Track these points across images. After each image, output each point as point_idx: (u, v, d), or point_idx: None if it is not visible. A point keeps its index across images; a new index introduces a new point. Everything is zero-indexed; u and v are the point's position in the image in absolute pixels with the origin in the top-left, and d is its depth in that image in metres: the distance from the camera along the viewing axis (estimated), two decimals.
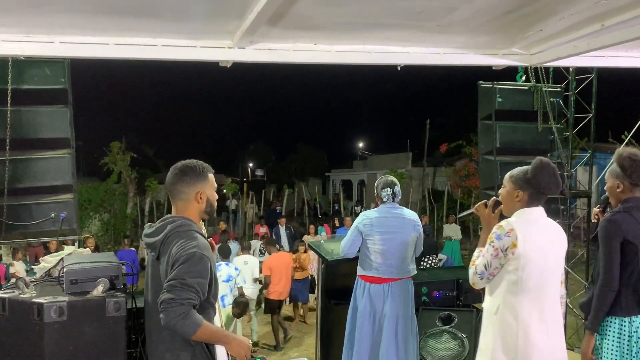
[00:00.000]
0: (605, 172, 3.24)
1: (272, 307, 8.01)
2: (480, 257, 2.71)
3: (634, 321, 2.97)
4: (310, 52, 3.59)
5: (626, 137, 7.40)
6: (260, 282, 8.24)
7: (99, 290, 2.78)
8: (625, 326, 2.98)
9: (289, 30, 3.29)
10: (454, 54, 3.85)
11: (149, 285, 2.59)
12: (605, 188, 3.21)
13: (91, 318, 2.70)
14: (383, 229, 4.15)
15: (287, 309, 10.01)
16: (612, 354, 3.00)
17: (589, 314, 3.11)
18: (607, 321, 3.02)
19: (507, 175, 2.82)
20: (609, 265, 2.96)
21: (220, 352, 2.56)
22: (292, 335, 8.31)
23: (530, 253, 2.60)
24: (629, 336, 2.97)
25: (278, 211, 19.25)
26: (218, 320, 3.26)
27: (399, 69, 3.85)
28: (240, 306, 6.46)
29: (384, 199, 4.32)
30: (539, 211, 2.72)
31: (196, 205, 2.55)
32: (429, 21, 3.19)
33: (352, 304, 4.40)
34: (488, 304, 2.77)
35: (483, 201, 2.96)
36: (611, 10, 3.08)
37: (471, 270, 2.76)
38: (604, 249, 3.00)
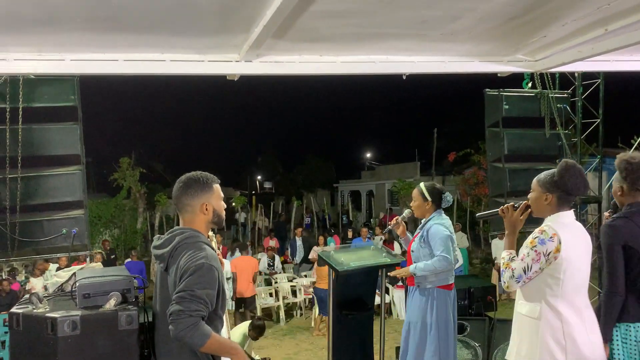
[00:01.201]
0: (615, 175, 3.24)
1: (237, 303, 9.16)
2: (518, 261, 2.71)
3: (632, 327, 2.96)
4: (316, 64, 3.62)
5: (636, 141, 7.37)
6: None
7: (111, 304, 2.78)
8: (631, 332, 2.97)
9: (295, 43, 3.33)
10: (459, 62, 3.86)
11: (158, 297, 2.60)
12: (612, 192, 3.21)
13: (104, 332, 2.68)
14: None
15: (300, 321, 10.01)
16: None
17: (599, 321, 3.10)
18: (616, 328, 3.00)
19: (534, 180, 2.83)
20: (612, 270, 2.95)
21: None
22: (306, 348, 8.29)
23: (572, 257, 2.63)
24: (635, 342, 2.95)
25: (306, 222, 19.22)
26: (226, 332, 3.27)
27: (404, 78, 3.87)
28: (257, 330, 6.50)
29: (443, 205, 4.26)
30: (571, 214, 2.75)
31: (203, 217, 2.56)
32: (432, 30, 3.22)
33: (445, 317, 4.13)
34: (526, 309, 2.77)
35: (511, 203, 2.94)
36: (614, 14, 3.09)
37: (507, 274, 2.74)
38: (606, 255, 2.99)
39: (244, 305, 9.16)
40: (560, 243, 2.60)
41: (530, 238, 2.70)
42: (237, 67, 3.48)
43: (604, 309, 2.96)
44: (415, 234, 4.34)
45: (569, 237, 2.64)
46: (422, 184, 4.27)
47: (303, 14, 2.86)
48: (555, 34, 3.40)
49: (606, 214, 3.44)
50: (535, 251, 2.63)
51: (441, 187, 4.29)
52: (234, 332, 6.50)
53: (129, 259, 11.76)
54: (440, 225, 4.12)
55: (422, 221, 4.22)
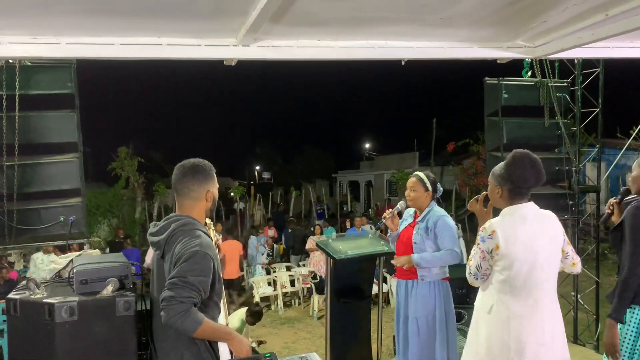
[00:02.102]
0: (613, 165, 3.24)
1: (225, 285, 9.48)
2: (472, 259, 2.70)
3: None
4: (314, 49, 3.58)
5: (634, 132, 7.34)
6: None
7: (108, 290, 2.78)
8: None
9: (292, 27, 3.29)
10: (458, 48, 3.83)
11: (155, 284, 2.61)
12: (631, 177, 3.17)
13: (101, 318, 2.68)
14: None
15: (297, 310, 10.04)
16: (631, 343, 3.00)
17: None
18: (630, 310, 3.00)
19: (491, 172, 2.80)
20: (636, 252, 2.92)
21: (224, 349, 2.56)
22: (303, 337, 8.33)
23: (515, 252, 2.55)
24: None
25: (318, 211, 19.29)
26: (223, 318, 3.27)
27: (403, 63, 3.83)
28: (256, 316, 6.53)
29: (437, 195, 4.17)
30: (526, 207, 2.65)
31: (204, 204, 2.57)
32: (431, 14, 3.18)
33: (450, 309, 4.10)
34: (480, 303, 2.75)
35: (475, 197, 2.93)
36: None
37: (467, 270, 2.75)
38: (633, 237, 2.96)
39: (230, 287, 9.50)
40: (499, 240, 2.55)
41: (477, 235, 2.68)
42: (235, 51, 3.45)
43: (619, 288, 2.96)
44: (407, 225, 4.20)
45: (512, 233, 2.57)
46: (419, 173, 4.15)
47: None
48: (555, 19, 3.37)
49: (612, 199, 3.38)
50: (480, 249, 2.63)
51: (434, 176, 4.19)
52: (232, 318, 6.53)
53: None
54: (447, 217, 4.02)
55: (423, 212, 4.07)
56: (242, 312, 6.68)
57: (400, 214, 4.33)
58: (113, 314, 2.67)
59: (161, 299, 2.28)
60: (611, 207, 3.38)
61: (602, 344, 3.29)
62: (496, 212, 2.83)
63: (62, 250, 6.58)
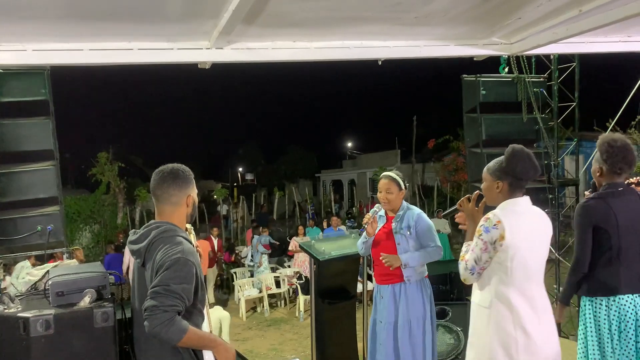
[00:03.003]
0: (591, 157, 3.28)
1: None
2: (469, 252, 2.69)
3: (614, 300, 3.03)
4: (290, 50, 3.54)
5: (611, 125, 7.44)
6: None
7: (85, 301, 2.73)
8: (610, 305, 3.03)
9: (267, 29, 3.25)
10: (434, 46, 3.81)
11: (136, 293, 2.54)
12: (592, 171, 3.23)
13: (79, 330, 2.63)
14: None
15: (283, 311, 10.01)
16: (594, 334, 3.09)
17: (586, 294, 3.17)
18: (595, 301, 3.08)
19: (485, 169, 2.81)
20: (580, 248, 3.06)
21: (208, 357, 2.52)
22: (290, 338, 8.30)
23: (518, 243, 2.59)
24: (606, 314, 3.05)
25: (311, 211, 19.22)
26: (207, 326, 3.22)
27: (379, 63, 3.81)
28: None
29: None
30: (524, 200, 2.71)
31: (184, 209, 2.52)
32: (406, 13, 3.16)
33: (433, 307, 4.03)
34: (479, 298, 2.75)
35: (466, 196, 2.95)
36: None
37: (461, 266, 2.73)
38: (575, 233, 3.08)
39: None
40: (504, 230, 2.56)
41: (477, 227, 2.67)
42: (208, 54, 3.39)
43: (566, 281, 3.15)
44: (382, 227, 4.05)
45: (516, 224, 2.60)
46: (392, 173, 4.00)
47: None
48: (530, 15, 3.38)
49: (586, 192, 3.44)
50: (482, 240, 2.61)
51: (401, 173, 4.08)
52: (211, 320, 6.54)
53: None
54: (424, 215, 3.96)
55: (398, 211, 3.95)
56: (217, 310, 6.71)
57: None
58: (91, 326, 2.62)
59: (144, 308, 2.22)
60: None
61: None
62: (487, 211, 2.85)
63: (41, 260, 6.46)
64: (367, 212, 4.15)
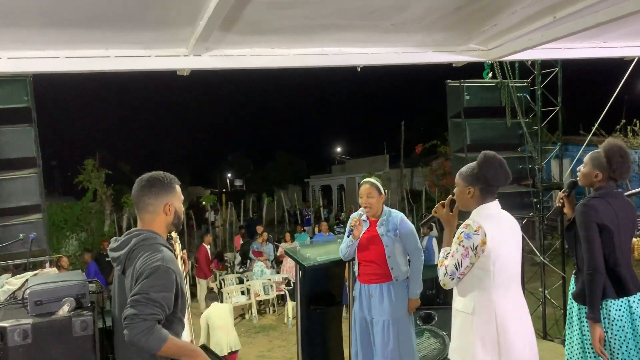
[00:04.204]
0: (576, 160, 3.30)
1: None
2: (449, 258, 2.71)
3: (609, 304, 3.02)
4: (268, 57, 3.54)
5: (597, 129, 7.51)
6: None
7: (64, 310, 2.71)
8: (604, 310, 3.01)
9: (245, 36, 3.26)
10: (412, 53, 3.84)
11: (116, 301, 2.54)
12: (580, 172, 3.23)
13: (57, 339, 2.61)
14: None
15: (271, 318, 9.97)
16: (629, 334, 3.03)
17: (583, 303, 3.13)
18: (619, 302, 3.03)
19: (457, 174, 2.86)
20: (591, 249, 2.98)
21: None
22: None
23: (498, 248, 2.63)
24: (608, 318, 3.01)
25: (307, 217, 19.11)
26: (187, 335, 3.21)
27: (359, 70, 3.83)
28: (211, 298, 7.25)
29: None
30: (495, 205, 2.76)
31: (164, 218, 2.51)
32: (382, 20, 3.19)
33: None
34: (461, 305, 2.77)
35: (440, 202, 2.97)
36: (562, 1, 3.11)
37: (441, 272, 2.75)
38: (584, 234, 3.01)
39: None
40: (485, 235, 2.60)
41: (457, 233, 2.70)
42: (186, 61, 3.38)
43: (588, 290, 2.97)
44: (366, 231, 4.19)
45: (495, 229, 2.65)
46: (370, 179, 4.20)
47: (248, 4, 2.79)
48: (505, 22, 3.42)
49: (561, 193, 3.44)
50: (463, 246, 2.64)
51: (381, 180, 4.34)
52: (221, 311, 6.80)
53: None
54: (406, 218, 4.17)
55: (381, 215, 4.13)
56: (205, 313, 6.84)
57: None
58: (70, 335, 2.60)
59: (123, 317, 2.21)
60: (561, 201, 3.43)
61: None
62: (462, 215, 2.88)
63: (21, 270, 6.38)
64: (351, 222, 4.20)
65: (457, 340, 2.79)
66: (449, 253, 2.75)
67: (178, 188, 2.59)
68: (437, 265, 2.86)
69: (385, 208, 4.20)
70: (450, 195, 2.92)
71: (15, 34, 2.95)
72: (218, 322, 6.67)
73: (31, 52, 3.18)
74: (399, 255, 4.09)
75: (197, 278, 11.55)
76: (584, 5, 3.02)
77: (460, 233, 2.68)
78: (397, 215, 4.17)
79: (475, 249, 2.62)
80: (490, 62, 5.60)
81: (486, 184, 2.70)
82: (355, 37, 3.52)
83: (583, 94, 20.82)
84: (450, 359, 2.88)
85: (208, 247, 11.95)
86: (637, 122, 14.11)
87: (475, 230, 2.62)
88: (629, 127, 13.49)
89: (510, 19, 3.36)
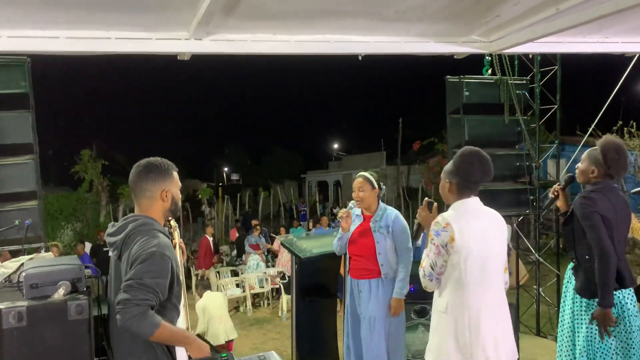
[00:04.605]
0: (572, 161, 3.32)
1: None
2: (425, 259, 2.69)
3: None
4: (270, 43, 3.52)
5: (593, 130, 7.51)
6: None
7: (60, 293, 2.69)
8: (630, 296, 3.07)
9: (247, 20, 3.23)
10: (414, 42, 3.82)
11: (112, 286, 2.53)
12: (579, 168, 3.26)
13: (52, 323, 2.58)
14: None
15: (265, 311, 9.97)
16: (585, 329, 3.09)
17: (589, 297, 3.13)
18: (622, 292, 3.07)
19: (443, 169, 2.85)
20: (598, 236, 2.98)
21: (181, 354, 2.50)
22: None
23: (469, 244, 2.58)
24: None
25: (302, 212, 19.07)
26: (183, 322, 3.19)
27: (360, 58, 3.81)
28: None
29: (380, 195, 4.18)
30: (474, 201, 2.70)
31: (161, 204, 2.50)
32: (386, 7, 3.17)
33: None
34: (436, 304, 2.74)
35: (421, 206, 2.95)
36: None
37: (420, 274, 2.73)
38: (588, 224, 3.03)
39: None
40: (454, 231, 2.57)
41: (430, 231, 2.68)
42: (187, 45, 3.35)
43: (600, 275, 2.97)
44: (359, 225, 4.16)
45: (465, 225, 2.60)
46: (364, 173, 4.15)
47: None
48: (508, 13, 3.41)
49: (556, 186, 3.45)
50: (434, 244, 2.62)
51: (378, 176, 4.23)
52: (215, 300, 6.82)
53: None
54: (401, 216, 4.11)
55: (376, 211, 4.09)
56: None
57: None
58: (65, 319, 2.57)
59: (117, 301, 2.21)
60: (555, 193, 3.44)
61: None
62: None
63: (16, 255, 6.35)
64: (339, 213, 4.25)
65: (432, 338, 2.76)
66: (425, 254, 2.73)
67: (176, 175, 2.58)
68: (425, 262, 2.83)
69: (382, 204, 4.15)
70: (426, 198, 2.93)
71: (15, 12, 2.92)
72: (215, 312, 6.69)
73: (31, 31, 3.14)
74: (390, 252, 4.03)
75: (192, 269, 11.55)
76: None
77: (431, 231, 2.65)
78: (392, 212, 4.11)
79: (445, 246, 2.59)
80: (490, 55, 5.61)
81: (464, 178, 2.68)
82: (357, 25, 3.50)
83: (580, 95, 20.86)
84: (425, 358, 2.83)
85: (211, 239, 11.97)
86: (634, 123, 14.20)
87: (444, 227, 2.59)
88: (625, 129, 13.55)
89: (513, 10, 3.34)
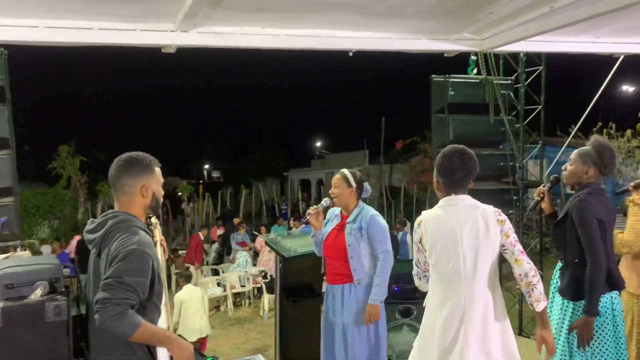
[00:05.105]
0: (555, 162, 3.35)
1: None
2: (413, 258, 2.75)
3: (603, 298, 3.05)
4: (259, 36, 3.41)
5: (573, 130, 7.56)
6: None
7: (37, 294, 2.60)
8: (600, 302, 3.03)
9: (235, 12, 3.12)
10: (406, 39, 3.76)
11: (91, 285, 2.43)
12: (568, 169, 3.25)
13: (29, 324, 2.52)
14: None
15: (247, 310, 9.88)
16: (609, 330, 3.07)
17: (569, 298, 3.14)
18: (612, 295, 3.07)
19: None
20: (592, 243, 2.98)
21: (162, 354, 2.42)
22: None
23: (434, 239, 2.61)
24: (604, 311, 3.04)
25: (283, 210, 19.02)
26: (164, 322, 3.11)
27: (350, 54, 3.73)
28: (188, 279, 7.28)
29: (364, 195, 3.95)
30: (458, 198, 2.67)
31: (141, 200, 2.43)
32: (378, 1, 3.10)
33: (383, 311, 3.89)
34: (425, 298, 2.79)
35: None
36: None
37: (412, 273, 2.80)
38: (583, 229, 3.02)
39: None
40: (422, 228, 2.65)
41: None
42: (172, 37, 3.23)
43: (589, 284, 2.97)
44: (335, 226, 3.96)
45: (434, 222, 2.64)
46: (344, 170, 3.95)
47: None
48: (502, 10, 3.36)
49: (541, 187, 3.44)
50: (415, 242, 2.69)
51: (362, 175, 3.99)
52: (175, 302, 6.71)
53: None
54: (379, 217, 3.83)
55: (353, 211, 3.85)
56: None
57: (326, 211, 4.11)
58: (42, 320, 2.50)
59: (95, 300, 2.13)
60: (541, 195, 3.43)
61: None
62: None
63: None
64: (307, 214, 4.03)
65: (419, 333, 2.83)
66: None
67: (158, 170, 2.51)
68: (412, 260, 2.89)
69: (360, 204, 3.88)
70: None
71: None
72: (192, 309, 6.64)
73: (9, 19, 2.98)
74: (363, 256, 3.76)
75: (172, 267, 11.41)
76: None
77: (413, 229, 2.74)
78: (368, 212, 3.82)
79: (420, 242, 2.67)
80: (476, 55, 5.61)
81: (445, 177, 2.68)
82: (349, 20, 3.42)
83: (561, 96, 21.13)
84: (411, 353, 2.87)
85: (202, 238, 11.94)
86: (613, 125, 14.43)
87: (418, 224, 2.67)
88: (604, 130, 13.75)
89: (507, 7, 3.30)
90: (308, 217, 3.95)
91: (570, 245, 3.14)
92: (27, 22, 2.97)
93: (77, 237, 11.79)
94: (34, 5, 2.88)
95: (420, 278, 2.73)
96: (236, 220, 12.38)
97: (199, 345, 6.58)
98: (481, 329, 2.58)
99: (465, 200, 2.68)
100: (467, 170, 2.65)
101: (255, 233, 12.56)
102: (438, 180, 2.72)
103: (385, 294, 3.75)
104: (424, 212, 2.70)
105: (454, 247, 2.59)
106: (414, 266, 2.75)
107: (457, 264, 2.59)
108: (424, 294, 5.67)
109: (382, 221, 3.83)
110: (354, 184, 3.85)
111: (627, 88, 21.27)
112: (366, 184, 3.96)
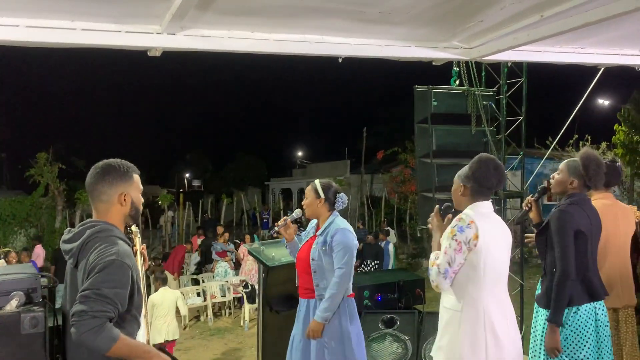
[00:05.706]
0: (534, 174, 3.45)
1: None
2: (441, 256, 2.71)
3: (580, 309, 3.08)
4: (247, 41, 3.36)
5: (551, 142, 7.65)
6: None
7: (12, 305, 2.49)
8: (577, 314, 3.07)
9: (223, 16, 3.07)
10: (395, 47, 3.75)
11: (68, 296, 2.38)
12: (555, 178, 3.29)
13: (4, 336, 2.42)
14: None
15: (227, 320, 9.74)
16: (570, 343, 3.08)
17: (543, 306, 3.18)
18: (567, 310, 3.08)
19: (457, 175, 2.94)
20: (565, 255, 3.02)
21: None
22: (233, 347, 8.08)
23: (490, 246, 2.66)
24: (585, 323, 3.06)
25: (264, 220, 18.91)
26: (144, 335, 3.02)
27: (340, 60, 3.70)
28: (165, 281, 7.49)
29: (337, 207, 3.82)
30: (487, 205, 2.81)
31: (119, 208, 2.37)
32: (370, 7, 3.07)
33: (357, 329, 3.75)
34: (450, 302, 2.77)
35: (432, 214, 3.04)
36: (550, 0, 3.11)
37: (433, 272, 2.74)
38: (558, 239, 3.05)
39: None
40: (478, 230, 2.64)
41: (449, 228, 2.73)
42: (159, 39, 3.14)
43: (555, 293, 3.02)
44: (309, 239, 3.90)
45: (487, 225, 2.69)
46: (316, 180, 3.88)
47: None
48: (492, 18, 3.37)
49: (529, 197, 3.51)
50: (456, 240, 2.64)
51: (338, 187, 3.88)
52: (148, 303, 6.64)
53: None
54: (347, 231, 3.68)
55: (324, 224, 3.75)
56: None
57: (298, 222, 4.08)
58: (18, 332, 2.40)
59: (71, 313, 2.06)
60: (529, 205, 3.49)
61: (528, 344, 3.38)
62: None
63: None
64: (275, 225, 4.05)
65: (443, 338, 2.78)
66: (442, 252, 2.77)
67: (137, 177, 2.45)
68: (395, 269, 2.91)
69: (332, 217, 3.75)
70: (437, 205, 3.00)
71: None
72: (162, 311, 6.77)
73: None
74: (327, 271, 3.62)
75: (152, 277, 11.21)
76: (572, 5, 3.01)
77: (453, 227, 2.68)
78: (335, 225, 3.68)
79: (469, 242, 2.63)
80: (458, 66, 5.66)
81: (478, 184, 2.78)
82: (339, 26, 3.39)
83: (537, 108, 21.50)
84: (432, 355, 2.88)
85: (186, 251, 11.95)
86: (589, 137, 14.71)
87: (468, 224, 2.64)
88: (580, 142, 14.01)
89: (497, 15, 3.31)
90: (277, 229, 3.92)
91: (550, 254, 3.18)
92: (7, 21, 2.86)
93: (38, 245, 11.56)
94: (13, 3, 2.78)
95: (446, 278, 2.69)
96: (220, 229, 12.24)
97: (166, 347, 6.57)
98: (514, 323, 2.81)
99: (492, 208, 2.85)
100: (500, 179, 2.80)
101: (237, 242, 12.44)
102: (466, 185, 2.80)
103: (333, 307, 3.56)
104: (470, 214, 2.71)
105: (502, 253, 2.75)
106: (444, 265, 2.67)
107: (503, 271, 2.79)
108: (408, 304, 5.67)
109: (348, 236, 3.66)
110: (322, 195, 3.75)
111: (603, 101, 21.72)
112: (341, 195, 3.83)
